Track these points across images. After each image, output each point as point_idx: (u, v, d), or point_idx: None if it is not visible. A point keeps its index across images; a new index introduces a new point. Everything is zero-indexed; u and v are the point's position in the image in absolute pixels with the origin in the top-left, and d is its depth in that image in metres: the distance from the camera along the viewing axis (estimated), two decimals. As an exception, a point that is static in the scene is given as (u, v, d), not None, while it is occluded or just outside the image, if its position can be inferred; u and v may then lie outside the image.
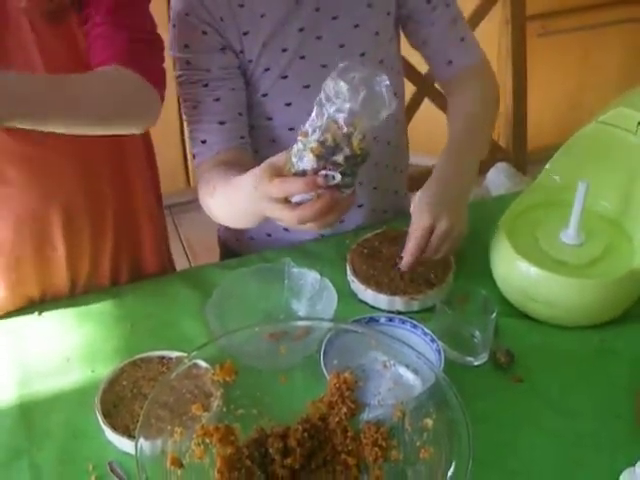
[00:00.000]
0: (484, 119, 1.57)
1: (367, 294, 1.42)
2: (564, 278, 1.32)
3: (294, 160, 1.13)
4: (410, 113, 2.30)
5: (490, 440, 1.19)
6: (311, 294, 1.38)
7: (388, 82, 1.08)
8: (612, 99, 1.49)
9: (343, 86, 1.06)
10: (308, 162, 1.11)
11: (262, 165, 1.18)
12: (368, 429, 1.13)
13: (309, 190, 1.11)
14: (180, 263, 1.82)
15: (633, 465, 1.05)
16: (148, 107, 1.32)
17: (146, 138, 1.55)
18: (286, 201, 1.15)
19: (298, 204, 1.14)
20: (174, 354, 1.31)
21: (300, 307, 1.39)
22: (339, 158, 1.09)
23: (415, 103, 2.30)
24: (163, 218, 1.66)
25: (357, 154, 1.10)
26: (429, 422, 1.09)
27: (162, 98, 1.33)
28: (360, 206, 1.66)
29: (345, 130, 1.08)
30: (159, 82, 1.32)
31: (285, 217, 1.16)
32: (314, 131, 1.10)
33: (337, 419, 1.13)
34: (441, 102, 2.25)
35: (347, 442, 1.13)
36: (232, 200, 1.34)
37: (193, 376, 1.20)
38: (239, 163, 1.41)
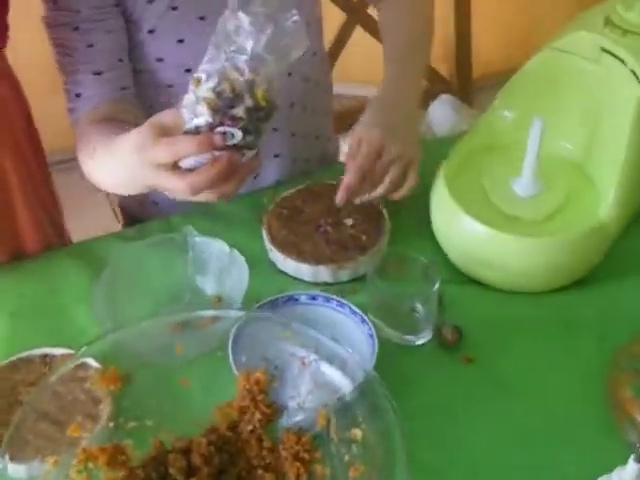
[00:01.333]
0: (421, 34, 1.41)
1: (287, 264, 1.22)
2: (518, 237, 1.13)
3: (185, 115, 0.97)
4: (341, 44, 2.14)
5: (436, 437, 1.01)
6: (219, 268, 1.18)
7: (298, 17, 0.92)
8: (569, 21, 1.28)
9: (244, 20, 0.91)
10: (202, 117, 0.95)
11: (147, 123, 1.01)
12: (287, 439, 0.96)
13: (203, 151, 0.95)
14: (109, 225, 1.58)
15: (609, 471, 0.87)
16: None
17: (22, 107, 1.34)
18: (175, 167, 0.99)
19: (190, 171, 0.98)
20: (59, 351, 1.13)
21: (206, 284, 1.19)
22: (239, 111, 0.94)
23: (346, 32, 2.12)
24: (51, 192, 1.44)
25: (261, 106, 0.95)
26: (358, 432, 0.91)
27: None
28: (277, 156, 1.46)
29: (247, 77, 0.93)
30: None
31: (175, 186, 1.00)
32: (208, 78, 0.94)
33: (250, 427, 0.97)
34: (376, 29, 2.08)
35: (263, 454, 0.96)
36: (115, 165, 1.15)
37: (79, 378, 1.03)
38: (122, 118, 1.24)
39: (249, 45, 0.92)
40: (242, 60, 0.92)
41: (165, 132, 0.98)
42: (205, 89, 0.94)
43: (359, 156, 1.17)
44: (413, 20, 1.41)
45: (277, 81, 0.96)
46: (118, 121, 1.21)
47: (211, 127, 0.94)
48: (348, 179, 1.18)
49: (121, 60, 1.28)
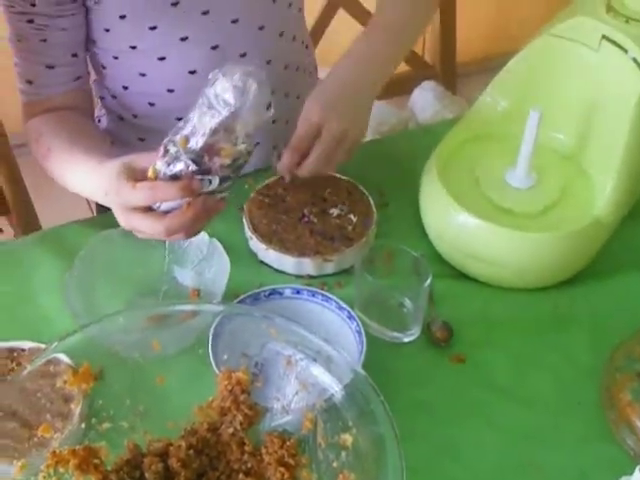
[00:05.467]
0: (413, 18, 1.29)
1: (269, 255, 1.16)
2: (512, 231, 1.08)
3: (162, 166, 0.97)
4: (321, 27, 2.08)
5: (425, 439, 0.97)
6: (198, 259, 1.12)
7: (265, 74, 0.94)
8: (567, 6, 1.20)
9: (228, 89, 0.92)
10: (182, 164, 0.96)
11: (117, 166, 1.00)
12: (271, 442, 0.89)
13: (183, 197, 0.96)
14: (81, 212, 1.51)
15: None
16: None
17: None
18: (148, 209, 0.99)
19: (164, 213, 0.99)
20: (27, 345, 1.06)
21: (185, 276, 1.13)
22: (222, 164, 0.96)
23: (327, 16, 2.07)
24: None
25: (240, 161, 0.98)
26: (347, 438, 0.85)
27: None
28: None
29: (234, 136, 0.95)
30: None
31: (150, 229, 1.00)
32: (193, 135, 0.95)
33: (231, 430, 0.91)
34: (355, 11, 2.06)
35: (245, 459, 0.90)
36: (77, 188, 1.17)
37: (50, 375, 0.97)
38: (76, 107, 1.25)
39: (234, 104, 0.92)
40: (227, 119, 0.93)
41: (136, 175, 0.98)
42: (190, 149, 0.94)
43: (294, 137, 1.14)
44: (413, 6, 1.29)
45: (254, 131, 0.97)
46: (71, 114, 1.22)
47: (192, 173, 0.95)
48: (284, 160, 1.16)
49: (75, 55, 1.23)
